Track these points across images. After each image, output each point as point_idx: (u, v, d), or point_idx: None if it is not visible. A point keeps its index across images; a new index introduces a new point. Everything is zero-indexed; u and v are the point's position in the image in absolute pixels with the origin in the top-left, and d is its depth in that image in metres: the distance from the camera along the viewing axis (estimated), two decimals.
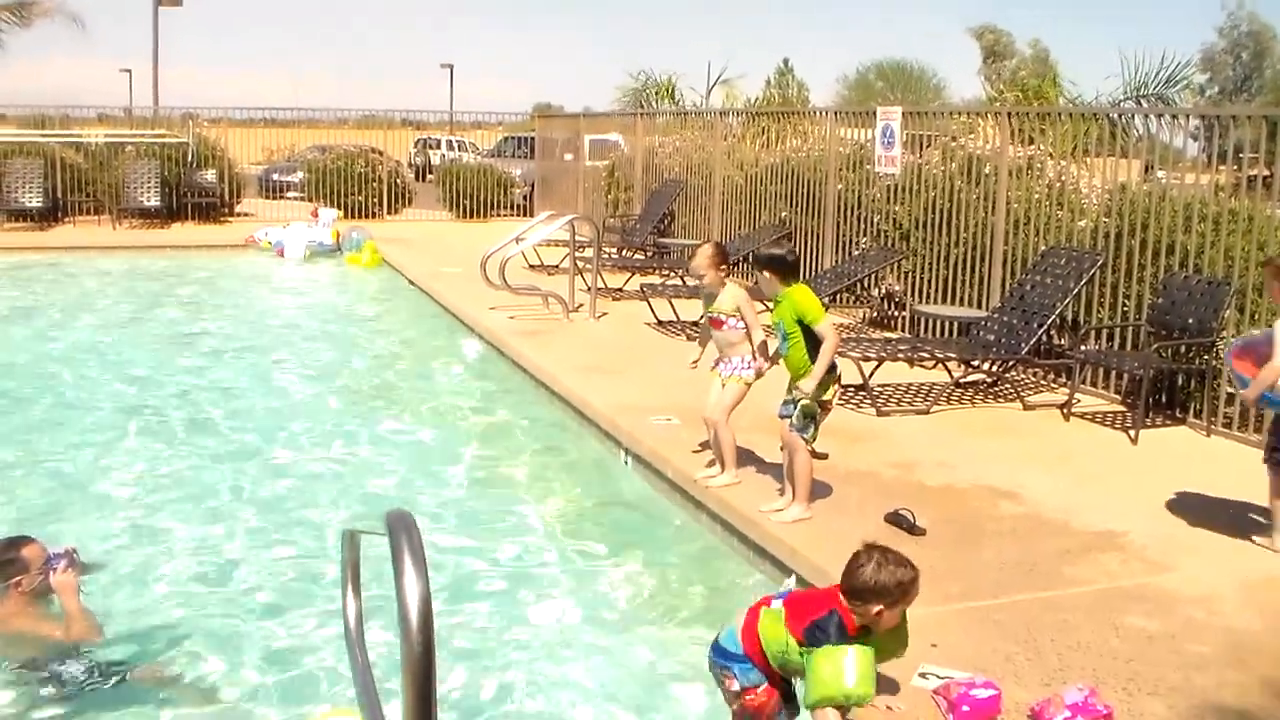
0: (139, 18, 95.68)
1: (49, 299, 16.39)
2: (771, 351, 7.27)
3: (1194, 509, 7.33)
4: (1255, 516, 7.05)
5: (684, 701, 5.44)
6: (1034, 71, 28.65)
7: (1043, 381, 10.79)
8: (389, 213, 26.35)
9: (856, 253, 13.99)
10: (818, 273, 14.50)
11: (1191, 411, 9.53)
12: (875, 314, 13.90)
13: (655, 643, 6.05)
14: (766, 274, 6.83)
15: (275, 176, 30.33)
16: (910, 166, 13.46)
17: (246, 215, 25.54)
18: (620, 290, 15.33)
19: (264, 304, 17.10)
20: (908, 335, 12.68)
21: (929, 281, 12.80)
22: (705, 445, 7.90)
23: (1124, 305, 10.22)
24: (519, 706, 5.45)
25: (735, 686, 4.62)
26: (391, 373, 12.42)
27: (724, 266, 7.58)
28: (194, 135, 25.31)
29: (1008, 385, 10.48)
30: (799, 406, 6.70)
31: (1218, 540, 6.80)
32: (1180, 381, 9.70)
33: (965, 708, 4.63)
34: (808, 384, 6.63)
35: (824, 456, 8.05)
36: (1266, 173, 9.38)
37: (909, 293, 13.22)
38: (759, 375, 7.46)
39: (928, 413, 9.61)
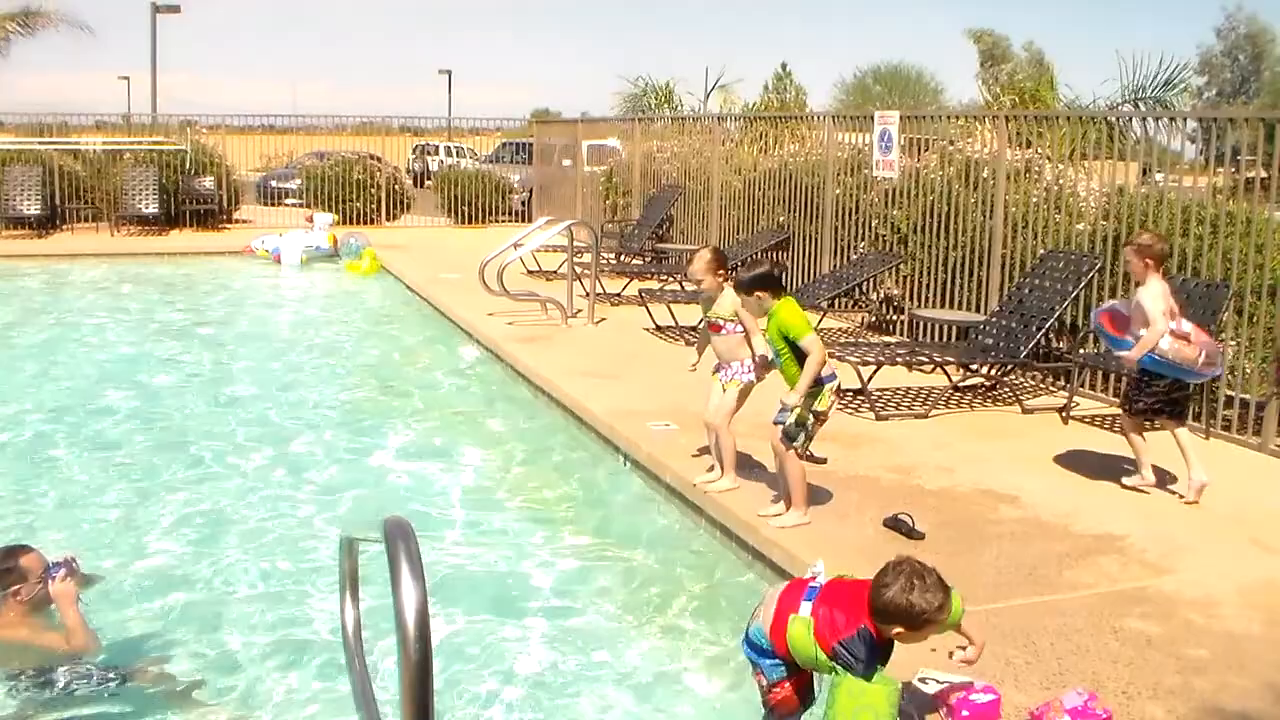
0: (137, 25, 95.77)
1: (43, 305, 16.39)
2: (767, 363, 7.26)
3: (1193, 512, 7.34)
4: (1250, 523, 7.07)
5: (677, 703, 5.45)
6: (1030, 74, 28.64)
7: (1041, 385, 10.79)
8: (387, 219, 26.38)
9: (855, 257, 13.99)
10: (816, 277, 14.52)
11: (1189, 415, 9.52)
12: (874, 318, 13.90)
13: (649, 645, 6.04)
14: (756, 295, 6.80)
15: (273, 183, 30.43)
16: (908, 171, 13.47)
17: (245, 222, 25.59)
18: (619, 296, 15.33)
19: (257, 311, 17.07)
20: (906, 339, 12.68)
21: (927, 285, 12.80)
22: (705, 450, 7.90)
23: None
24: (512, 703, 5.45)
25: (764, 682, 4.67)
26: (389, 379, 12.39)
27: (722, 271, 7.59)
28: (192, 142, 25.40)
29: (1006, 389, 10.49)
30: (792, 414, 6.70)
31: (1217, 544, 6.80)
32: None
33: (965, 712, 4.62)
34: (791, 398, 6.65)
35: (823, 461, 8.06)
36: (1264, 175, 9.37)
37: (907, 297, 13.23)
38: (759, 379, 7.46)
39: (926, 416, 9.61)
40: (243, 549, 7.36)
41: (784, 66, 34.98)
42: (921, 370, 10.82)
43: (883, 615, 4.29)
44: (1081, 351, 10.21)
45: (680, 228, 19.21)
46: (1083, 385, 10.27)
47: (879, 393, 9.91)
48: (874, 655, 4.32)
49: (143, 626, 6.22)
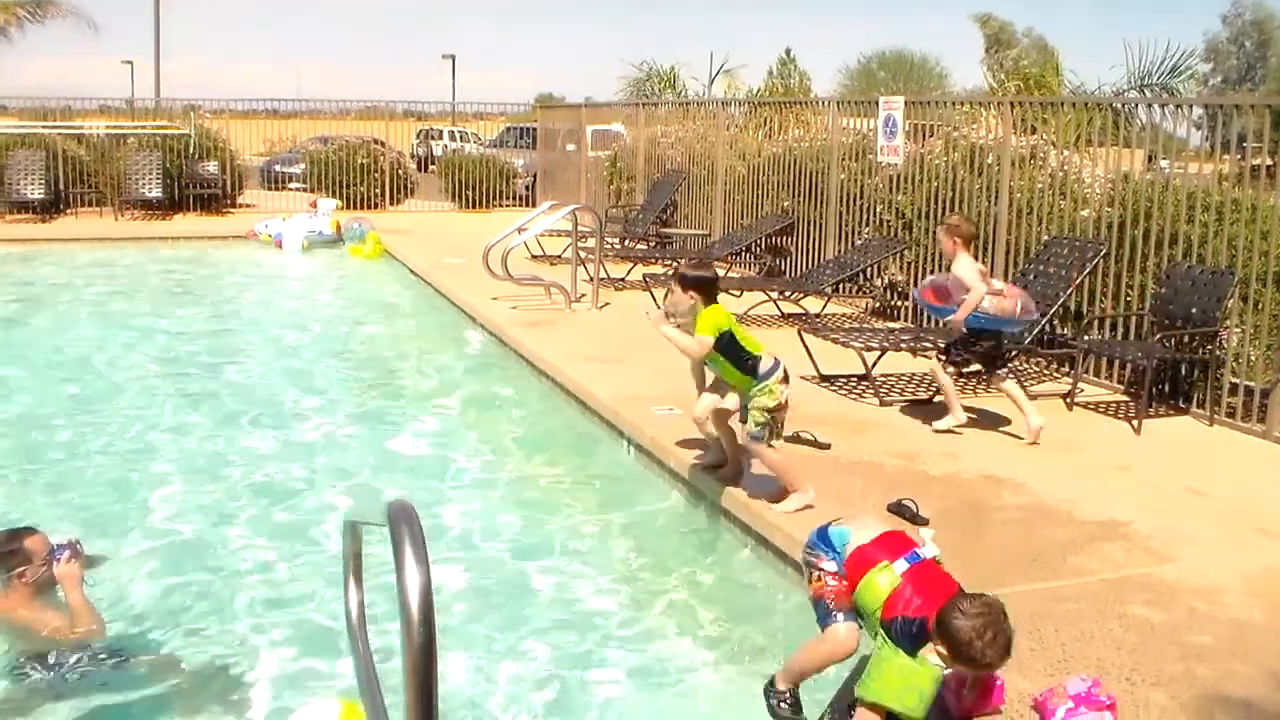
0: (141, 10, 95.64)
1: (48, 288, 16.40)
2: (709, 384, 7.23)
3: (1197, 499, 7.33)
4: (1254, 511, 7.07)
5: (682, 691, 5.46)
6: (1036, 60, 28.55)
7: (1045, 371, 10.78)
8: (391, 203, 26.36)
9: (859, 243, 13.98)
10: (820, 262, 14.50)
11: (1195, 401, 9.52)
12: (878, 304, 13.89)
13: (653, 625, 6.06)
14: (691, 294, 6.77)
15: (277, 168, 30.39)
16: (913, 156, 13.45)
17: (248, 206, 25.58)
18: (623, 280, 15.32)
19: (258, 294, 17.07)
20: (911, 325, 12.66)
21: (932, 271, 12.76)
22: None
23: (1127, 295, 10.21)
24: (522, 676, 5.46)
25: (829, 566, 4.70)
26: (391, 363, 12.40)
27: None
28: (195, 127, 25.36)
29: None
30: (749, 416, 6.76)
31: (1220, 531, 6.79)
32: (1183, 371, 9.70)
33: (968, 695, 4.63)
34: (730, 401, 6.89)
35: (827, 446, 8.06)
36: (1270, 162, 9.36)
37: (912, 282, 13.20)
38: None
39: (930, 402, 9.59)
40: (247, 530, 7.37)
41: (788, 52, 34.96)
42: (925, 356, 10.81)
43: (941, 630, 4.30)
44: (1086, 338, 10.19)
45: (684, 213, 19.18)
46: (1087, 371, 10.25)
47: (883, 378, 9.91)
48: (917, 645, 4.37)
49: (147, 608, 6.23)
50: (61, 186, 23.76)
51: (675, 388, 9.40)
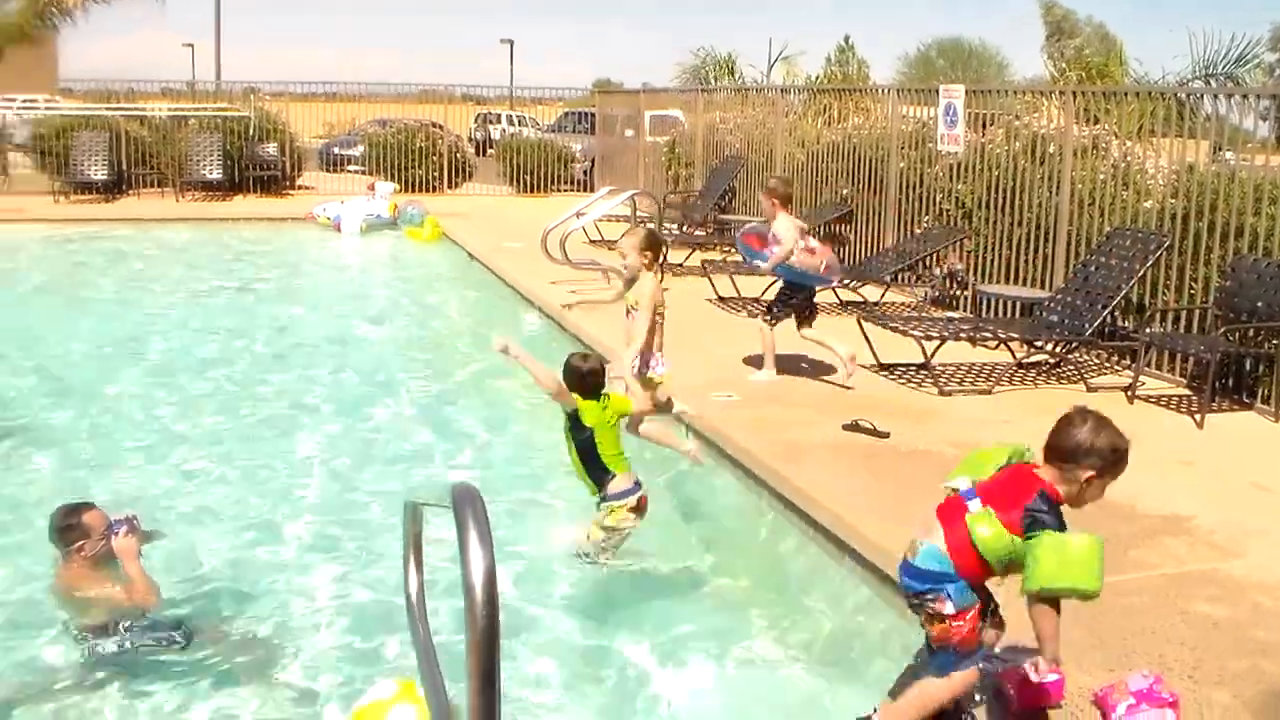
0: None
1: (110, 269, 16.61)
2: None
3: (1262, 495, 7.23)
4: None
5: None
6: (1098, 49, 28.21)
7: (1106, 364, 10.67)
8: (449, 187, 26.47)
9: (919, 231, 13.90)
10: (879, 251, 14.43)
11: (1260, 396, 9.38)
12: (937, 293, 13.80)
13: (709, 605, 6.06)
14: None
15: (336, 150, 30.55)
16: (973, 145, 13.34)
17: (307, 188, 25.77)
18: (681, 266, 15.30)
19: (320, 275, 17.21)
20: (970, 315, 12.57)
21: (991, 261, 12.69)
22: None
23: (1191, 288, 10.08)
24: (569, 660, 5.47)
25: (949, 609, 4.34)
26: (450, 345, 12.46)
27: (649, 254, 7.74)
28: (255, 109, 25.58)
29: (1071, 367, 10.38)
30: (589, 530, 6.62)
31: None
32: (1248, 366, 9.56)
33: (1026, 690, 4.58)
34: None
35: (886, 435, 8.02)
36: None
37: (971, 272, 13.11)
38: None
39: (990, 393, 9.52)
40: (308, 509, 7.44)
41: (847, 39, 34.67)
42: (985, 346, 10.73)
43: (1075, 455, 4.20)
44: (1149, 330, 10.07)
45: (743, 199, 19.12)
46: (1149, 365, 10.12)
47: (942, 368, 9.83)
48: (1059, 513, 4.19)
49: (205, 581, 6.33)
50: (124, 168, 24.03)
51: (733, 375, 9.40)
